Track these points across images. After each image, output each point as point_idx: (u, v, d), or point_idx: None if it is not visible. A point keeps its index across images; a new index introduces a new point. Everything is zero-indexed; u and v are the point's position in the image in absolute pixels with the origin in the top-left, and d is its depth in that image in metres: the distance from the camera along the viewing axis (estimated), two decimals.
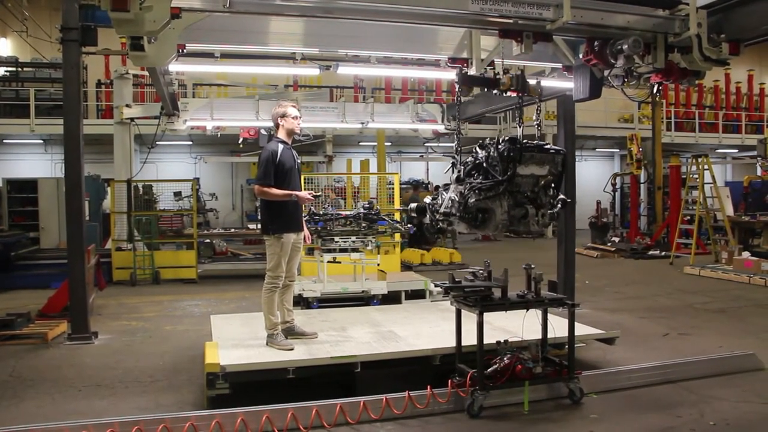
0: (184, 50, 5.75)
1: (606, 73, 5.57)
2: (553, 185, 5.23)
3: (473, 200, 4.99)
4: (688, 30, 5.19)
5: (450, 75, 6.20)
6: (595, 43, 5.39)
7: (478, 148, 5.22)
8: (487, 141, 5.19)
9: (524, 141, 5.06)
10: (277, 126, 6.24)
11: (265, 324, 5.97)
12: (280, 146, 6.06)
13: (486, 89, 5.54)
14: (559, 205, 5.25)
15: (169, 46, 4.82)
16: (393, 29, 5.72)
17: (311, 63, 7.23)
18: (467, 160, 5.28)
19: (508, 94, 5.37)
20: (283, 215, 6.03)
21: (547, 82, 7.18)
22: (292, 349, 5.73)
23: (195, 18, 4.76)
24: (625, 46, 5.08)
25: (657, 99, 19.27)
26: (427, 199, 5.60)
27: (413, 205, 5.74)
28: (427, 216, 5.49)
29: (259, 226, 6.38)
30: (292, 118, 6.16)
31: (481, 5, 4.73)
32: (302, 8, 4.82)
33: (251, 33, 5.76)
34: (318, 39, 6.01)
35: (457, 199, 5.12)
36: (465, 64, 5.54)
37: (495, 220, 5.02)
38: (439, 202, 5.36)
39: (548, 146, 5.23)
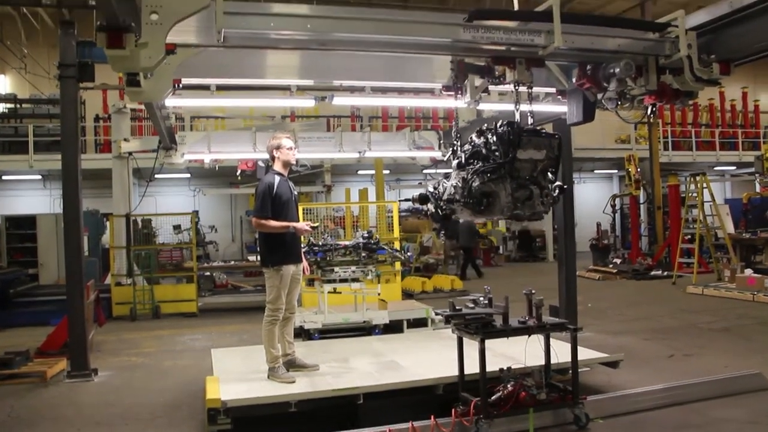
0: (180, 85, 5.75)
1: (599, 96, 5.58)
2: (550, 169, 5.17)
3: (477, 184, 4.90)
4: (678, 52, 5.24)
5: (445, 103, 6.18)
6: (588, 67, 5.42)
7: (474, 136, 5.19)
8: (485, 127, 5.13)
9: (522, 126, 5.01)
10: (272, 158, 6.28)
11: (266, 357, 5.93)
12: (277, 178, 6.08)
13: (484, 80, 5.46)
14: (557, 191, 5.18)
15: (165, 81, 4.78)
16: (386, 59, 5.73)
17: (307, 94, 7.25)
18: (465, 147, 5.23)
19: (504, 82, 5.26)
20: (282, 247, 6.02)
21: (541, 107, 7.20)
22: (293, 382, 5.68)
23: (190, 53, 4.74)
24: (617, 70, 5.12)
25: (653, 119, 19.37)
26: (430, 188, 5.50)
27: (416, 194, 5.57)
28: (430, 204, 5.36)
29: (259, 258, 6.38)
30: (288, 149, 6.21)
31: (472, 33, 4.77)
32: (296, 41, 4.86)
33: (246, 66, 5.75)
34: (313, 71, 5.98)
35: (459, 185, 5.03)
36: (459, 92, 5.52)
37: (500, 203, 4.93)
38: (441, 190, 5.28)
39: (543, 131, 5.18)
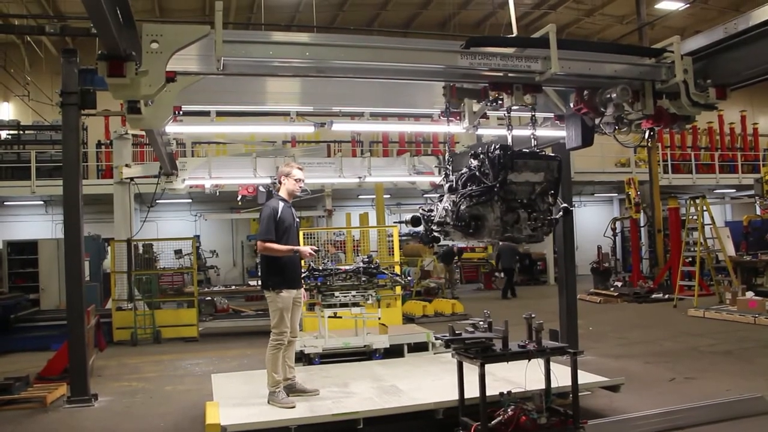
0: (181, 111, 5.83)
1: (597, 121, 5.64)
2: (550, 192, 5.19)
3: (464, 207, 4.98)
4: (674, 77, 5.31)
5: (441, 128, 6.21)
6: (585, 93, 5.49)
7: (471, 159, 5.22)
8: (479, 150, 5.16)
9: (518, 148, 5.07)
10: (279, 183, 6.42)
11: (268, 381, 5.96)
12: (281, 204, 6.20)
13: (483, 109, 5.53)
14: (561, 213, 5.23)
15: (166, 108, 4.76)
16: (385, 86, 5.82)
17: (306, 121, 7.33)
18: (463, 171, 5.26)
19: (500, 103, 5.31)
20: (284, 271, 6.12)
21: (541, 132, 7.25)
22: (293, 407, 5.68)
23: (190, 81, 4.77)
24: (613, 95, 5.20)
25: (651, 143, 19.47)
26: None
27: (408, 216, 5.68)
28: (421, 227, 5.46)
29: (260, 282, 6.43)
30: (295, 180, 6.35)
31: (470, 60, 4.87)
32: (295, 69, 4.95)
33: (246, 93, 5.80)
34: (312, 97, 6.03)
35: (450, 208, 5.11)
36: (458, 117, 5.58)
37: (488, 226, 4.99)
38: (434, 213, 5.36)
39: (542, 153, 5.22)
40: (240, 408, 5.72)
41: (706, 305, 13.37)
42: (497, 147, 4.99)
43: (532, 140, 5.37)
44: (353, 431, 5.43)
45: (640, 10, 19.97)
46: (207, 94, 5.65)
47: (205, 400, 6.23)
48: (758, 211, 20.10)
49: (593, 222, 25.18)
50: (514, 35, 6.50)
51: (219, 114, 6.77)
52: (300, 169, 6.48)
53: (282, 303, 5.98)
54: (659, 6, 22.56)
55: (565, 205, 5.30)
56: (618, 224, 20.85)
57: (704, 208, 15.10)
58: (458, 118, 5.59)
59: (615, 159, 25.02)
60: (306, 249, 6.28)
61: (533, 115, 5.46)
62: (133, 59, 4.27)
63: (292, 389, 6.10)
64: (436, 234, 5.39)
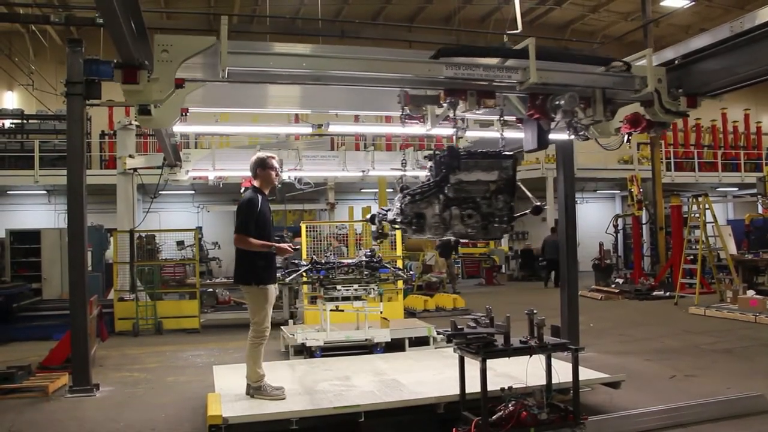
0: (187, 113, 6.16)
1: (552, 125, 5.78)
2: (506, 190, 5.37)
3: (408, 205, 5.25)
4: (646, 87, 5.63)
5: (413, 131, 6.43)
6: (538, 99, 5.66)
7: (427, 160, 5.46)
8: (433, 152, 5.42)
9: (473, 149, 5.46)
10: (255, 176, 6.24)
11: (251, 376, 5.90)
12: (259, 197, 6.09)
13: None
14: (529, 211, 5.51)
15: (174, 110, 5.10)
16: (375, 92, 5.91)
17: (304, 122, 7.68)
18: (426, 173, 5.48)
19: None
20: (269, 266, 6.04)
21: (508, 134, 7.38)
22: (284, 398, 5.71)
23: (197, 86, 5.11)
24: (562, 102, 5.40)
25: (656, 140, 19.47)
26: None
27: (369, 215, 6.09)
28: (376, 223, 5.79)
29: (235, 276, 6.17)
30: (271, 169, 6.20)
31: (454, 71, 5.15)
32: (293, 77, 5.22)
33: (248, 97, 6.10)
34: (310, 101, 6.36)
35: (399, 206, 5.41)
36: (421, 119, 5.73)
37: (428, 223, 5.26)
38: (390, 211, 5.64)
39: (493, 151, 5.40)
40: (242, 400, 5.74)
41: (707, 303, 13.38)
42: (446, 148, 5.28)
43: (500, 142, 5.64)
44: (354, 424, 5.45)
45: (646, 7, 19.92)
46: (212, 97, 5.97)
47: (207, 392, 6.25)
48: (760, 210, 20.07)
49: (595, 218, 25.19)
50: (482, 46, 6.75)
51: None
52: (274, 158, 6.30)
53: (268, 298, 5.97)
54: (664, 3, 22.52)
55: (538, 203, 5.52)
56: (620, 221, 20.83)
57: (706, 206, 15.08)
58: (421, 120, 5.74)
59: (618, 156, 24.98)
60: (286, 246, 6.19)
61: (501, 118, 5.74)
62: (146, 68, 4.69)
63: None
64: (386, 231, 5.83)
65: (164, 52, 4.70)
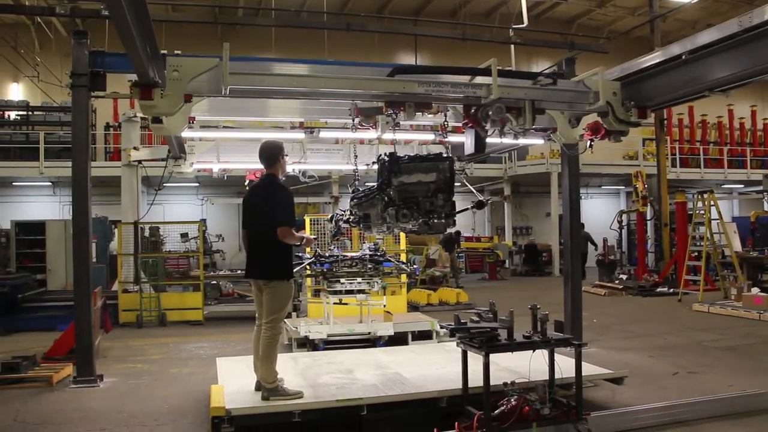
0: (194, 121, 7.41)
1: (490, 132, 6.12)
2: (445, 189, 5.88)
3: (354, 207, 6.10)
4: (599, 101, 6.23)
5: (366, 135, 7.68)
6: (471, 109, 6.04)
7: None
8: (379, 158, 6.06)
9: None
10: (276, 162, 6.00)
11: (266, 377, 5.57)
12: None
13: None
14: (471, 206, 6.47)
15: (182, 119, 5.77)
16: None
17: (298, 129, 9.41)
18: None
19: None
20: (292, 258, 6.13)
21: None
22: (302, 396, 5.56)
23: (203, 99, 5.84)
24: (490, 112, 5.73)
25: (661, 135, 19.40)
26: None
27: (330, 215, 7.21)
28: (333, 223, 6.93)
29: (266, 272, 5.84)
30: (285, 156, 6.16)
31: (425, 88, 5.74)
32: (286, 92, 5.88)
33: (249, 108, 7.31)
34: (304, 111, 7.69)
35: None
36: (374, 125, 6.28)
37: (373, 222, 6.10)
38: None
39: (431, 155, 6.16)
40: (245, 392, 5.74)
41: (711, 300, 13.36)
42: (386, 155, 5.89)
43: (445, 147, 6.46)
44: (357, 417, 5.46)
45: (653, 2, 19.81)
46: (217, 108, 7.18)
47: (210, 384, 6.27)
48: (766, 207, 20.07)
49: (599, 214, 25.15)
50: (440, 64, 7.34)
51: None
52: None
53: (292, 292, 5.99)
54: None
55: (481, 198, 6.58)
56: (624, 217, 20.79)
57: (712, 202, 15.04)
58: (374, 125, 6.29)
59: (623, 152, 24.91)
60: (311, 237, 6.53)
61: (445, 126, 6.51)
62: (159, 85, 5.30)
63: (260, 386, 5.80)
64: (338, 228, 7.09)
65: (175, 71, 5.40)
